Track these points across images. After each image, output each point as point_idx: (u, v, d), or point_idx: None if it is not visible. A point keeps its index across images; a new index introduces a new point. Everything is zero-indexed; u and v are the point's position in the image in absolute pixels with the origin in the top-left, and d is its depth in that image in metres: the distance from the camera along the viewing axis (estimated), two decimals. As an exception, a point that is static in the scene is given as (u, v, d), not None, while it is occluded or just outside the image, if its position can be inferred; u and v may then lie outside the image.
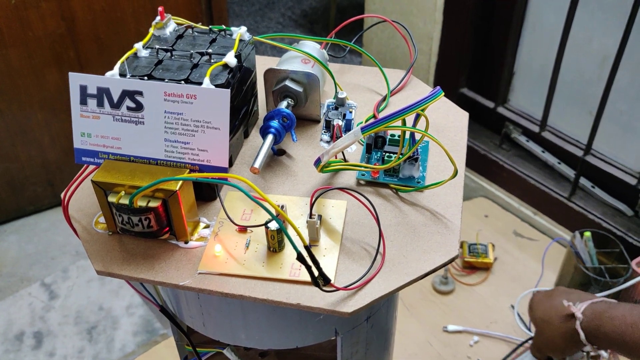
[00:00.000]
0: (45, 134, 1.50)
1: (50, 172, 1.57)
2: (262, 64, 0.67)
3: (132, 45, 0.54)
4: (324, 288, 0.45)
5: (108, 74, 0.50)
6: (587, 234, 1.19)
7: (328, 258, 0.49)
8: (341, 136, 0.59)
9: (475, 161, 1.54)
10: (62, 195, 0.52)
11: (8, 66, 1.37)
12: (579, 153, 1.35)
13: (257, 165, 0.52)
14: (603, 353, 0.92)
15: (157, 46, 0.55)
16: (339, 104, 0.63)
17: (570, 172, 1.39)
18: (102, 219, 0.52)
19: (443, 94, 0.51)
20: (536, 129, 1.44)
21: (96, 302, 1.36)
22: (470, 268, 1.31)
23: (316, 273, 0.45)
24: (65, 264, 1.46)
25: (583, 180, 1.37)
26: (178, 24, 0.59)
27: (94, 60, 1.46)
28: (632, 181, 1.28)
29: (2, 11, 1.29)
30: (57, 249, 1.50)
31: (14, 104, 1.42)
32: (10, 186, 1.53)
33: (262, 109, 0.65)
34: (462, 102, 1.56)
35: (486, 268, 1.30)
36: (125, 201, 0.46)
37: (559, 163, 1.41)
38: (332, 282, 0.46)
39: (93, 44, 1.44)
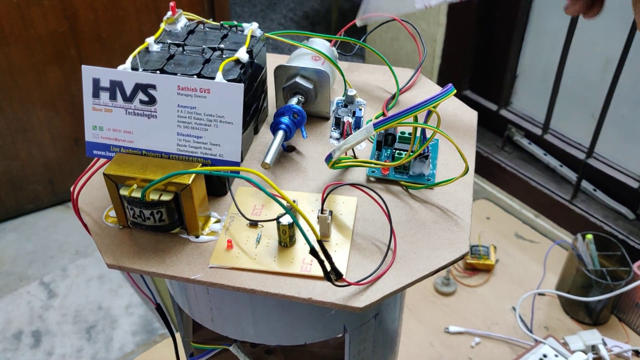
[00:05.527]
0: (46, 133, 1.50)
1: (50, 171, 1.56)
2: (272, 60, 0.67)
3: (134, 44, 0.54)
4: (336, 283, 0.45)
5: (120, 67, 0.50)
6: (589, 236, 1.19)
7: (339, 253, 0.49)
8: (351, 133, 0.59)
9: (478, 163, 1.55)
10: (71, 188, 0.52)
11: (9, 64, 1.36)
12: (581, 156, 1.36)
13: (268, 160, 0.52)
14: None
15: (169, 41, 0.55)
16: (349, 101, 0.63)
17: (572, 175, 1.39)
18: (112, 213, 0.52)
19: (455, 91, 0.51)
20: (539, 131, 1.44)
21: (95, 302, 1.35)
22: (472, 270, 1.31)
23: (328, 268, 0.45)
24: (65, 263, 1.45)
25: (585, 183, 1.37)
26: (189, 20, 0.59)
27: (96, 59, 1.45)
28: (634, 184, 1.28)
29: (5, 8, 1.29)
30: (56, 247, 1.50)
31: (14, 101, 1.42)
32: (10, 184, 1.53)
33: (271, 106, 0.65)
34: (465, 104, 1.56)
35: (488, 270, 1.30)
36: (137, 194, 0.46)
37: (561, 166, 1.41)
38: (344, 277, 0.45)
39: (95, 42, 1.43)
